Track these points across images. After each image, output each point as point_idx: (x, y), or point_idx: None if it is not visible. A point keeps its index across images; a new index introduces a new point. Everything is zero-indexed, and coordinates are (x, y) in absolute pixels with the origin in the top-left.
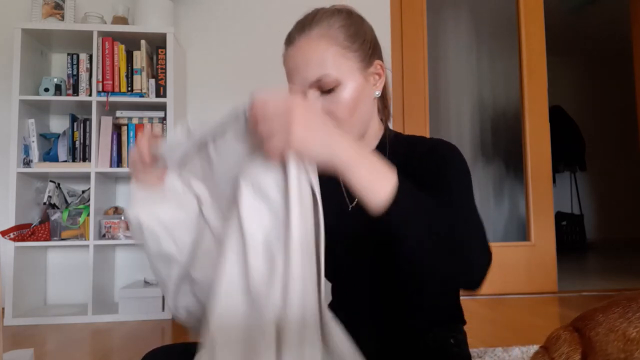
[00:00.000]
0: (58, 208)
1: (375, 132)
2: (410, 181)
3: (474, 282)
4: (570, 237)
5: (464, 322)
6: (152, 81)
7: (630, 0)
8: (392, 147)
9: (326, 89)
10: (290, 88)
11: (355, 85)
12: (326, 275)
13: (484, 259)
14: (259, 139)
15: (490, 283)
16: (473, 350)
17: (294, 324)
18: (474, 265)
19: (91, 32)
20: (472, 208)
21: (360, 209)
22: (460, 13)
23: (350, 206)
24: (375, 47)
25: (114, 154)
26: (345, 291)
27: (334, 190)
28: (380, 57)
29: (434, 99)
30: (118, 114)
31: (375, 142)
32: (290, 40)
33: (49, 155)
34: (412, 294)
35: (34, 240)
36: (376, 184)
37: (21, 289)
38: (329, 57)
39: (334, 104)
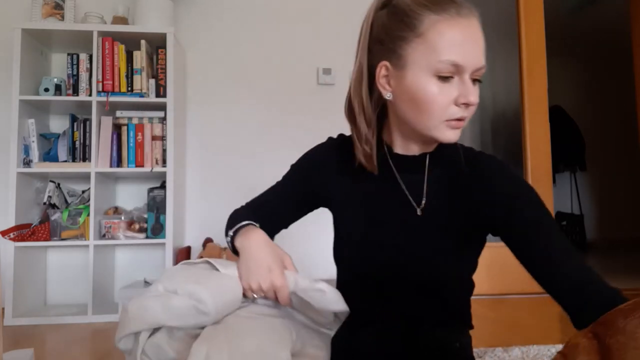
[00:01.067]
0: (58, 208)
1: None
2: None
3: None
4: (570, 237)
5: (471, 327)
6: (152, 81)
7: (630, 0)
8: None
9: (477, 78)
10: (448, 60)
11: None
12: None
13: None
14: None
15: (490, 283)
16: (473, 350)
17: None
18: None
19: (91, 32)
20: None
21: (427, 217)
22: None
23: (419, 210)
24: None
25: (114, 154)
26: (367, 292)
27: (399, 198)
28: None
29: None
30: (118, 114)
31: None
32: (462, 13)
33: (49, 155)
34: (440, 296)
35: (34, 240)
36: None
37: (21, 289)
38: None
39: (476, 95)
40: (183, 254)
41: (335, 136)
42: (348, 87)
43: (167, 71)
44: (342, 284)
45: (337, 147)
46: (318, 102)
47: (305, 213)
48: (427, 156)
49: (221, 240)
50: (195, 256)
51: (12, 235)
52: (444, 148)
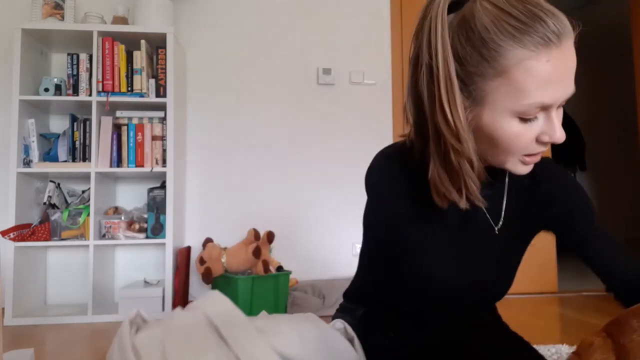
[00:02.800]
0: (58, 208)
1: None
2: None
3: None
4: None
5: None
6: (152, 81)
7: (630, 0)
8: None
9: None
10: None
11: None
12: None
13: None
14: None
15: None
16: None
17: None
18: None
19: (91, 32)
20: None
21: (506, 232)
22: None
23: (497, 228)
24: None
25: (114, 154)
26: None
27: (478, 214)
28: None
29: None
30: (118, 114)
31: None
32: (552, 39)
33: (49, 155)
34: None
35: (34, 240)
36: None
37: (21, 289)
38: None
39: (561, 130)
40: (183, 254)
41: (380, 152)
42: (420, 106)
43: (167, 71)
44: (390, 297)
45: (403, 170)
46: (318, 102)
47: None
48: (506, 173)
49: (221, 240)
50: (195, 256)
51: (12, 235)
52: None
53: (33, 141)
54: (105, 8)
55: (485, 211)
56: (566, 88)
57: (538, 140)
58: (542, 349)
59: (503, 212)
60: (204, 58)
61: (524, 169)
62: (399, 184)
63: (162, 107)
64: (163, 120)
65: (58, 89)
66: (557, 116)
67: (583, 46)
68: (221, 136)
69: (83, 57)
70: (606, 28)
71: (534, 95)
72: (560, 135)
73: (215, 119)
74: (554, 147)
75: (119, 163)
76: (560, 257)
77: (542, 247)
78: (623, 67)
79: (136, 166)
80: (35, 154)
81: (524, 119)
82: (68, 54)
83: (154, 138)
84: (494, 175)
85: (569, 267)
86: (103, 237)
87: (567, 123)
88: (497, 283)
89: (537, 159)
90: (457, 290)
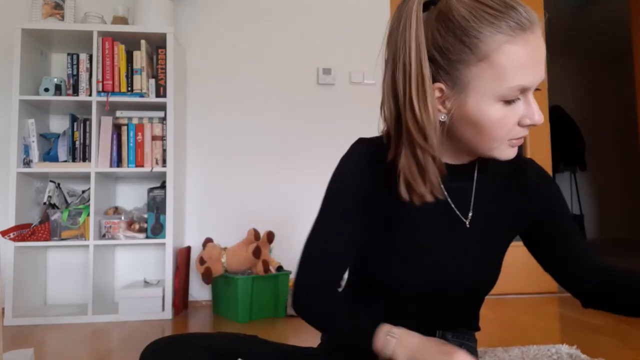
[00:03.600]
0: (58, 208)
1: None
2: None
3: None
4: None
5: (477, 329)
6: (152, 81)
7: (630, 0)
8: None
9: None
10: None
11: None
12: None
13: None
14: None
15: None
16: None
17: None
18: None
19: (91, 32)
20: None
21: (475, 228)
22: None
23: (467, 222)
24: None
25: (114, 154)
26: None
27: (445, 207)
28: None
29: None
30: (118, 114)
31: None
32: (527, 25)
33: (49, 155)
34: (467, 304)
35: (34, 240)
36: None
37: (21, 289)
38: None
39: (540, 112)
40: (183, 254)
41: (356, 140)
42: (392, 101)
43: (167, 71)
44: (359, 293)
45: (372, 156)
46: (318, 102)
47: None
48: (477, 164)
49: (221, 240)
50: (195, 256)
51: (12, 235)
52: None
53: (33, 141)
54: (105, 8)
55: (451, 204)
56: (540, 72)
57: (520, 124)
58: (542, 349)
59: (472, 205)
60: (204, 58)
61: (511, 152)
62: (366, 169)
63: (162, 107)
64: (163, 120)
65: (58, 89)
66: (533, 100)
67: (583, 46)
68: (221, 136)
69: (83, 57)
70: (606, 28)
71: (514, 77)
72: (539, 118)
73: (215, 119)
74: (555, 147)
75: (119, 163)
76: None
77: None
78: (623, 67)
79: (136, 166)
80: (35, 154)
81: (506, 102)
82: (68, 54)
83: (154, 138)
84: (464, 169)
85: None
86: (103, 237)
87: (567, 123)
88: (474, 276)
89: (521, 141)
90: (417, 282)
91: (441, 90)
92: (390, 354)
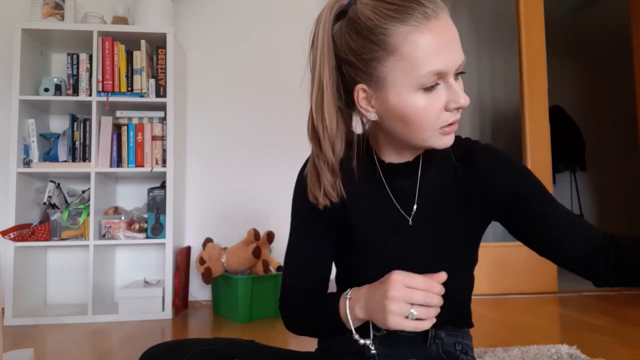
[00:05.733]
0: (58, 208)
1: None
2: None
3: None
4: None
5: (471, 325)
6: (152, 81)
7: (630, 0)
8: None
9: (457, 74)
10: (439, 62)
11: None
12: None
13: None
14: None
15: (490, 283)
16: (474, 351)
17: None
18: None
19: (91, 32)
20: None
21: (418, 224)
22: (460, 13)
23: (410, 219)
24: None
25: (114, 154)
26: None
27: (389, 206)
28: None
29: None
30: (118, 114)
31: None
32: (430, 13)
33: (49, 155)
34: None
35: (34, 240)
36: None
37: (21, 289)
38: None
39: (464, 95)
40: (183, 254)
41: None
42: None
43: (167, 71)
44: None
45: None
46: None
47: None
48: (420, 160)
49: (221, 240)
50: (195, 256)
51: (12, 235)
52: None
53: (33, 141)
54: (105, 8)
55: (395, 203)
56: (455, 55)
57: (446, 109)
58: (542, 349)
59: (415, 202)
60: (204, 58)
61: (447, 140)
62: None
63: (162, 107)
64: (163, 120)
65: (58, 89)
66: (457, 84)
67: (583, 46)
68: (221, 136)
69: (83, 57)
70: (606, 28)
71: (426, 64)
72: (464, 101)
73: (216, 119)
74: (554, 147)
75: (119, 163)
76: None
77: None
78: (623, 67)
79: (136, 166)
80: (35, 154)
81: (427, 90)
82: (68, 54)
83: (154, 138)
84: (408, 167)
85: None
86: (103, 237)
87: (567, 123)
88: (422, 271)
89: (455, 127)
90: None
91: (364, 90)
92: (351, 314)
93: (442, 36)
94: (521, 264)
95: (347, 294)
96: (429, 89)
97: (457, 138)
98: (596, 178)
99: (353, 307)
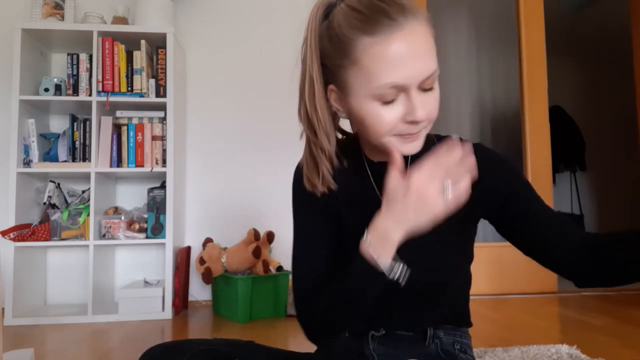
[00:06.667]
0: (58, 208)
1: None
2: None
3: None
4: None
5: (469, 325)
6: (152, 81)
7: (630, 0)
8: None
9: (429, 87)
10: (389, 82)
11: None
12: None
13: None
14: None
15: (490, 283)
16: (473, 350)
17: None
18: None
19: (91, 32)
20: None
21: None
22: (460, 13)
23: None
24: None
25: (114, 154)
26: None
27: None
28: None
29: None
30: (118, 114)
31: None
32: (395, 26)
33: (49, 155)
34: (438, 299)
35: (34, 240)
36: None
37: (21, 289)
38: (434, 52)
39: (433, 102)
40: (183, 254)
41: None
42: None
43: (167, 71)
44: None
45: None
46: None
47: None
48: (409, 159)
49: (221, 240)
50: (195, 256)
51: (12, 235)
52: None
53: (33, 141)
54: (105, 8)
55: (377, 191)
56: (418, 67)
57: (404, 120)
58: (542, 349)
59: None
60: (204, 58)
61: (411, 147)
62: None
63: (162, 107)
64: (163, 120)
65: (58, 89)
66: (419, 96)
67: (583, 46)
68: (221, 136)
69: (83, 57)
70: (606, 28)
71: (383, 77)
72: (421, 115)
73: (216, 119)
74: (554, 147)
75: (119, 163)
76: None
77: None
78: (623, 67)
79: (136, 166)
80: (35, 154)
81: (384, 102)
82: (68, 54)
83: (154, 138)
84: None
85: None
86: (103, 237)
87: (567, 123)
88: (420, 270)
89: (415, 137)
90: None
91: (334, 91)
92: (375, 254)
93: (404, 50)
94: (521, 264)
95: (364, 241)
96: (388, 102)
97: (448, 138)
98: (596, 178)
99: (373, 245)
